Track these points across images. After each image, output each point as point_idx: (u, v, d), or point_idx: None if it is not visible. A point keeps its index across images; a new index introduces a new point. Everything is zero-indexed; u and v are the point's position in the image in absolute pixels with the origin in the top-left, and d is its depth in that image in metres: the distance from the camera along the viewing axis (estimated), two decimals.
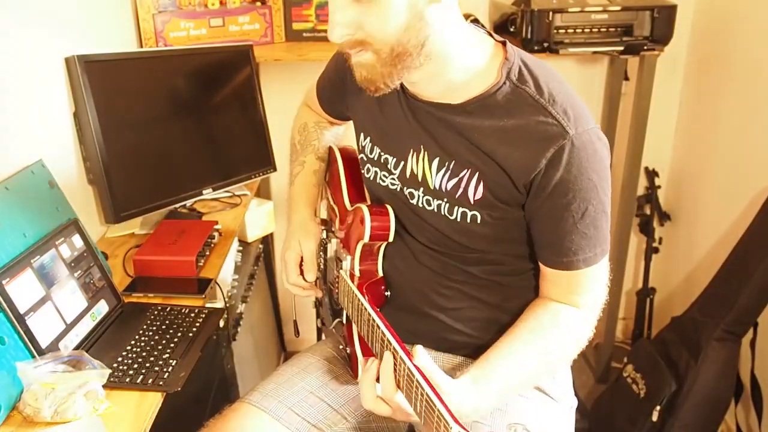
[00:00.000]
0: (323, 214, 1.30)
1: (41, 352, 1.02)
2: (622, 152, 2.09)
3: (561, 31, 1.82)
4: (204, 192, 1.62)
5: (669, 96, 2.20)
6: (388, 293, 1.11)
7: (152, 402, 1.00)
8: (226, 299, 1.59)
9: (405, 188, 1.04)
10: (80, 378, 0.96)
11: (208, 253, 1.45)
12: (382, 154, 1.07)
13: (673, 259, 2.29)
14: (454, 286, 1.07)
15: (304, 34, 2.00)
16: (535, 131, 0.91)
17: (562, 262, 0.98)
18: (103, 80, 1.39)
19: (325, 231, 1.23)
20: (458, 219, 0.99)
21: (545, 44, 1.81)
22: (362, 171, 1.14)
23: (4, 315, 0.99)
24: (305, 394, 1.12)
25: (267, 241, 2.21)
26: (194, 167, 1.63)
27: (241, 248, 1.89)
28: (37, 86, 1.30)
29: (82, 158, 1.45)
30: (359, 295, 1.02)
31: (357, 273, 1.09)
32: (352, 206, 1.14)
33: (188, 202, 1.65)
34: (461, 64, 0.94)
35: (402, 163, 1.04)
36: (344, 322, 1.14)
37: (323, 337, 1.37)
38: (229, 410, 1.11)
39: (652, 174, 2.27)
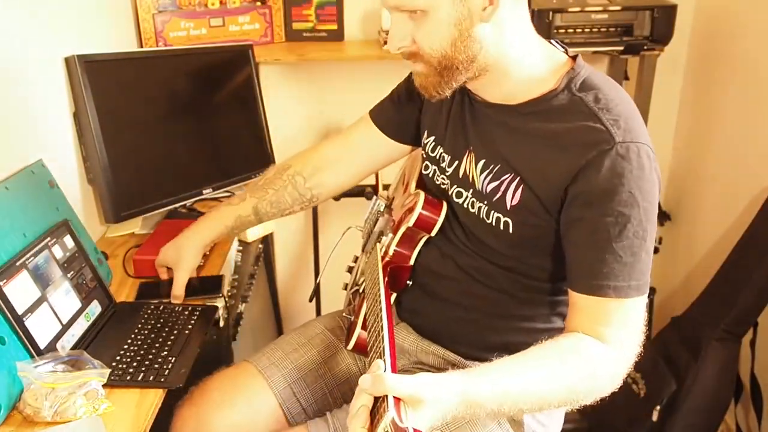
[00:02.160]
0: (391, 189, 1.35)
1: (40, 353, 1.02)
2: None
3: (561, 30, 1.82)
4: (204, 192, 1.62)
5: (669, 96, 2.20)
6: (409, 282, 1.12)
7: (152, 402, 1.00)
8: (226, 299, 1.59)
9: (455, 187, 1.06)
10: (80, 378, 0.97)
11: (208, 252, 1.45)
12: (442, 152, 1.10)
13: (673, 259, 2.29)
14: (477, 289, 1.07)
15: (304, 34, 2.00)
16: (581, 135, 0.90)
17: (591, 285, 0.91)
18: (103, 80, 1.39)
19: (385, 205, 1.27)
20: (493, 224, 0.99)
21: None
22: (421, 167, 1.16)
23: (2, 316, 0.99)
24: (306, 371, 1.17)
25: (267, 241, 2.21)
26: (194, 167, 1.63)
27: (241, 248, 1.89)
28: (37, 86, 1.30)
29: (82, 158, 1.45)
30: (381, 275, 1.04)
31: (391, 252, 1.11)
32: (414, 191, 1.16)
33: (188, 202, 1.65)
34: (520, 74, 0.96)
35: (456, 162, 1.06)
36: (360, 291, 1.17)
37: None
38: (235, 368, 1.19)
39: None
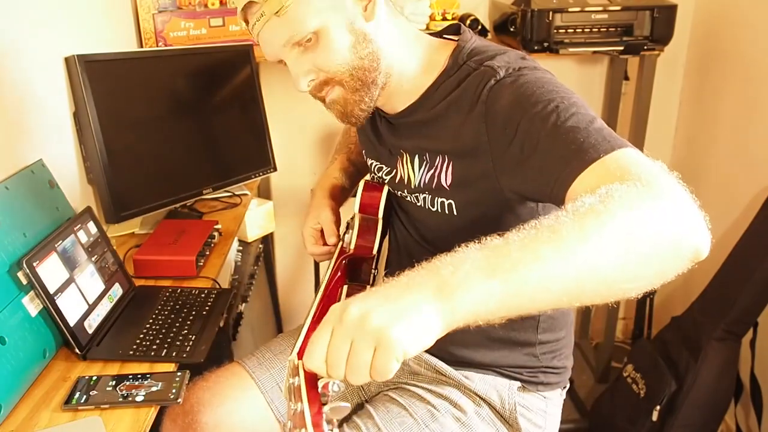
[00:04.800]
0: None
1: (69, 329, 1.07)
2: None
3: (561, 31, 1.82)
4: (204, 192, 1.62)
5: (669, 96, 2.20)
6: (375, 271, 1.15)
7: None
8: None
9: (397, 191, 1.11)
10: None
11: (208, 252, 1.45)
12: (381, 166, 1.14)
13: None
14: None
15: None
16: (472, 84, 0.94)
17: (573, 167, 0.77)
18: (103, 80, 1.39)
19: (347, 226, 1.30)
20: (438, 210, 1.02)
21: (545, 44, 1.81)
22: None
23: (36, 294, 1.05)
24: None
25: (267, 240, 2.21)
26: (194, 167, 1.63)
27: (241, 248, 1.89)
28: (37, 86, 1.30)
29: (82, 158, 1.45)
30: (331, 265, 1.09)
31: (353, 246, 1.14)
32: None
33: (188, 202, 1.65)
34: (414, 68, 1.01)
35: (393, 171, 1.11)
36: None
37: None
38: (224, 369, 1.20)
39: None
